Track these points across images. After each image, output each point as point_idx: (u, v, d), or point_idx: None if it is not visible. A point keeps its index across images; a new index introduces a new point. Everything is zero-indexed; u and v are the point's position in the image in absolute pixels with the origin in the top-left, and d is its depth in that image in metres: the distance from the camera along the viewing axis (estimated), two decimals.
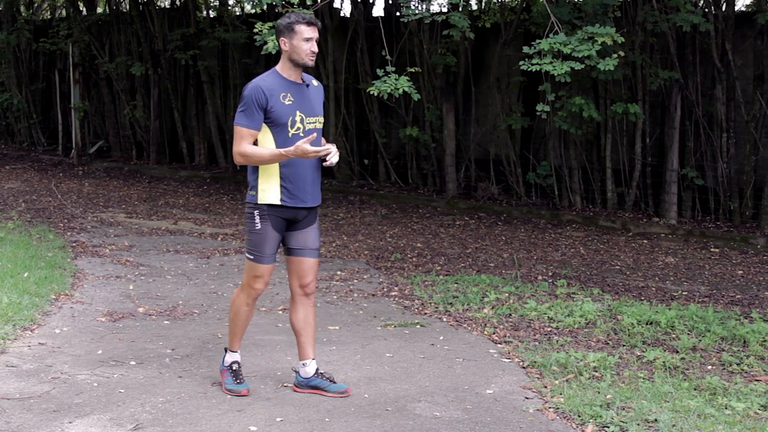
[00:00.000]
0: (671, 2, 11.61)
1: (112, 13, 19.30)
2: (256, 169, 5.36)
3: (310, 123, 5.40)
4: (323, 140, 5.58)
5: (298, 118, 5.33)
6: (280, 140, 5.29)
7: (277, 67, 5.42)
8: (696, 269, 9.81)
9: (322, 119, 5.53)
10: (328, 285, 8.68)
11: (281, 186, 5.34)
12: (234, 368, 5.60)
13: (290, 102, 5.31)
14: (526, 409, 5.33)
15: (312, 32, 5.33)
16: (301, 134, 5.32)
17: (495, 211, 13.40)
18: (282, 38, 5.36)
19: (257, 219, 5.38)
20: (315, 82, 5.59)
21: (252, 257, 5.45)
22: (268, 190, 5.35)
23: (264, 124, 5.29)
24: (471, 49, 14.58)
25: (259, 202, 5.36)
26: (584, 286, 8.71)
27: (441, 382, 5.85)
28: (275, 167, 5.32)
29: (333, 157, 5.30)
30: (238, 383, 5.53)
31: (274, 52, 9.24)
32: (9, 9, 20.87)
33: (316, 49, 5.37)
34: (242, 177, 16.33)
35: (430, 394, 5.60)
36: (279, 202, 5.35)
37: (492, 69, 14.36)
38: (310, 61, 5.34)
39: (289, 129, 5.30)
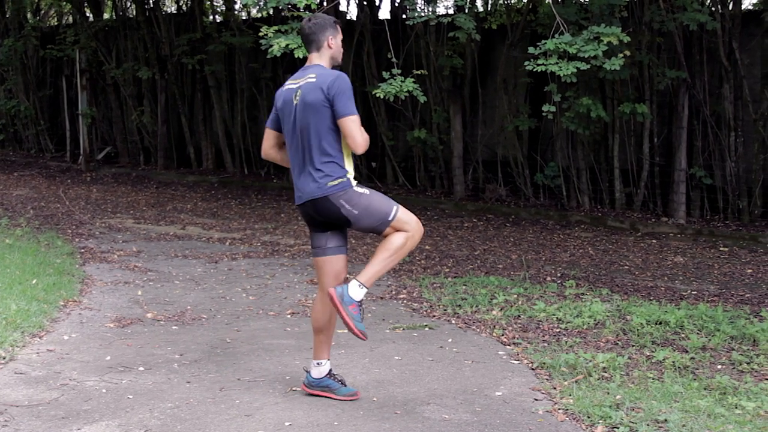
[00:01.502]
0: (678, 1, 11.59)
1: (119, 19, 19.36)
2: (341, 155, 5.26)
3: None
4: None
5: None
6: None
7: (325, 66, 5.36)
8: (705, 268, 9.78)
9: None
10: None
11: (354, 169, 5.39)
12: (362, 307, 5.33)
13: None
14: (535, 411, 5.31)
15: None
16: None
17: (503, 213, 13.38)
18: (330, 36, 5.34)
19: (360, 189, 5.26)
20: None
21: (394, 209, 5.26)
22: (350, 172, 5.31)
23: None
24: (477, 50, 14.58)
25: (353, 185, 5.24)
26: (593, 286, 8.69)
27: (450, 384, 5.84)
28: (342, 154, 5.27)
29: None
30: (361, 322, 5.28)
31: (279, 54, 9.25)
32: (16, 16, 20.96)
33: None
34: (250, 181, 16.36)
35: (439, 396, 5.58)
36: (354, 182, 5.34)
37: (499, 70, 14.35)
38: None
39: None
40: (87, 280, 8.71)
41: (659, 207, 12.89)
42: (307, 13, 9.39)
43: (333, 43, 5.34)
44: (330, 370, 5.58)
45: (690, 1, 11.36)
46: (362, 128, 5.22)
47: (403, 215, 5.29)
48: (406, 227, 5.30)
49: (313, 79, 5.21)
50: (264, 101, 17.25)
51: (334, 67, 5.42)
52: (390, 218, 5.25)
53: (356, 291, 5.22)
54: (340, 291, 5.21)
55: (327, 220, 5.33)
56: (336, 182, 5.22)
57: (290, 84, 5.36)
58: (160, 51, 18.34)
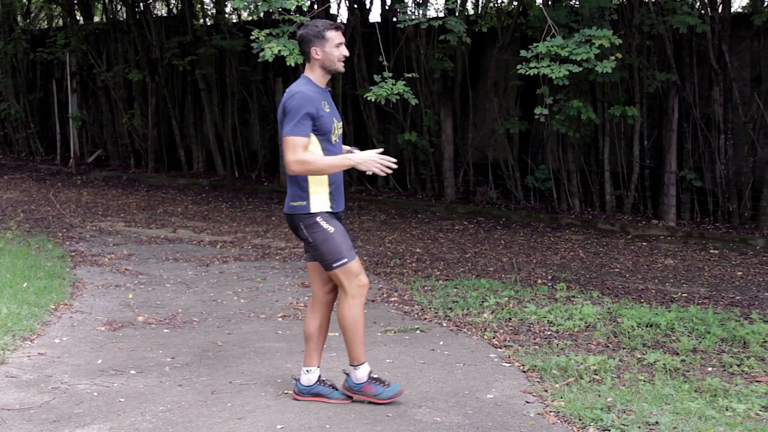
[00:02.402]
0: (667, 4, 11.64)
1: (109, 22, 19.33)
2: (305, 178, 5.27)
3: (339, 129, 5.42)
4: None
5: (335, 125, 5.32)
6: (327, 148, 5.29)
7: (310, 76, 5.33)
8: (695, 271, 9.81)
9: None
10: None
11: (329, 193, 5.32)
12: (374, 376, 5.45)
13: (328, 110, 5.28)
14: (526, 414, 5.32)
15: (341, 36, 5.32)
16: (336, 140, 5.35)
17: (494, 216, 13.40)
18: (313, 47, 5.27)
19: (324, 224, 5.27)
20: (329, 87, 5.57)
21: (344, 260, 5.28)
22: (319, 198, 5.29)
23: (312, 134, 5.23)
24: (468, 53, 14.59)
25: (312, 211, 5.27)
26: (584, 289, 8.70)
27: (441, 387, 5.84)
28: (325, 175, 5.28)
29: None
30: (388, 386, 5.40)
31: (271, 60, 9.25)
32: (6, 19, 20.90)
33: (347, 52, 5.36)
34: (241, 184, 16.36)
35: (430, 399, 5.59)
36: (329, 209, 5.31)
37: (489, 73, 14.37)
38: (341, 67, 5.33)
39: (332, 136, 5.30)
40: (78, 284, 8.69)
41: (649, 209, 12.92)
42: (299, 16, 9.40)
43: (320, 52, 5.27)
44: (319, 377, 5.58)
45: (680, 4, 11.39)
46: (300, 150, 5.14)
47: (349, 269, 5.31)
48: (346, 285, 5.33)
49: (284, 96, 5.31)
50: (254, 104, 17.25)
51: (333, 76, 5.45)
52: (335, 265, 5.30)
53: (356, 374, 5.46)
54: (346, 384, 5.52)
55: (293, 232, 5.45)
56: (296, 204, 5.32)
57: None
58: (150, 54, 18.32)
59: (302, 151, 5.15)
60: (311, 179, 5.28)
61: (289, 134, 5.15)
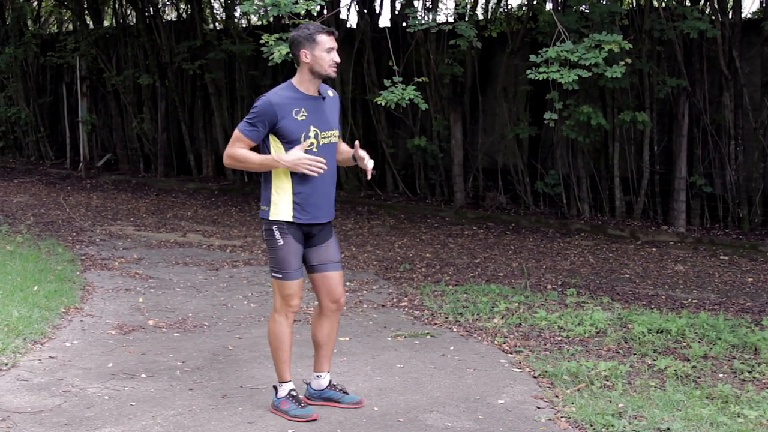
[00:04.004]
0: (678, 10, 11.63)
1: (119, 26, 19.37)
2: (268, 184, 5.29)
3: (324, 138, 5.30)
4: (342, 144, 5.60)
5: (312, 134, 5.22)
6: None
7: (294, 81, 5.29)
8: (705, 277, 9.79)
9: (337, 132, 5.41)
10: None
11: (293, 202, 5.26)
12: (293, 394, 5.39)
13: (304, 117, 5.20)
14: (537, 419, 5.31)
15: (333, 42, 5.24)
16: (315, 150, 5.23)
17: (503, 221, 13.39)
18: (302, 50, 5.21)
19: (277, 234, 5.27)
20: (331, 93, 5.45)
21: (280, 275, 5.31)
22: (281, 206, 5.27)
23: (276, 139, 5.22)
24: (478, 58, 14.59)
25: (271, 218, 5.27)
26: (594, 294, 8.69)
27: (452, 392, 5.84)
28: (288, 182, 5.24)
29: (368, 162, 5.41)
30: (303, 407, 5.31)
31: (280, 62, 9.26)
32: (16, 23, 20.96)
33: (338, 59, 5.28)
34: (250, 189, 16.37)
35: (441, 404, 5.59)
36: (291, 219, 5.26)
37: (499, 78, 14.36)
38: (333, 71, 5.25)
39: (305, 143, 5.20)
40: (88, 287, 8.71)
41: (659, 215, 12.89)
42: (308, 21, 9.40)
43: (308, 56, 5.21)
44: (330, 381, 5.58)
45: (690, 10, 11.38)
46: (236, 145, 5.25)
47: (283, 286, 5.34)
48: (276, 299, 5.42)
49: None
50: None
51: (324, 81, 5.39)
52: (273, 275, 5.39)
53: (278, 391, 5.44)
54: (272, 400, 5.48)
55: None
56: (261, 208, 5.40)
57: None
58: (160, 58, 18.35)
59: (238, 146, 5.25)
60: (274, 186, 5.29)
61: (237, 128, 5.26)
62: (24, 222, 12.55)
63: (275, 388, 5.47)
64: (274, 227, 5.28)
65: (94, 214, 13.71)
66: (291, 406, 5.31)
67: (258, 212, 5.46)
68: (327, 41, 5.22)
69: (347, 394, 5.54)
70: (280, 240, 5.28)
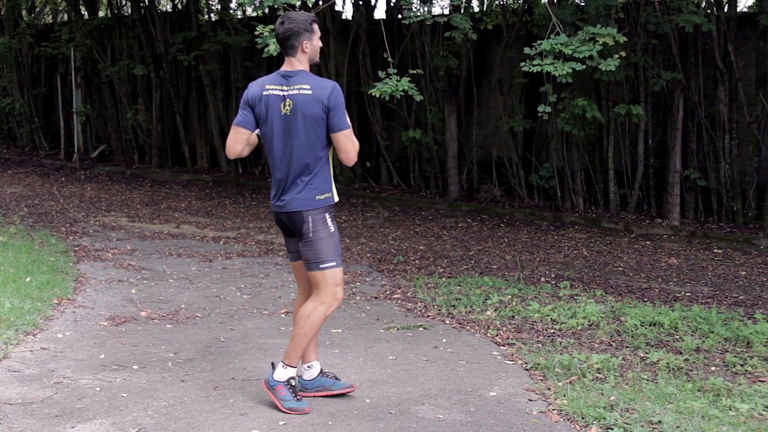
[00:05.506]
0: (673, 3, 11.61)
1: (114, 17, 19.32)
2: (326, 168, 5.20)
3: None
4: None
5: None
6: None
7: (307, 70, 5.24)
8: (699, 270, 9.79)
9: None
10: None
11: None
12: (292, 384, 5.31)
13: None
14: (529, 412, 5.31)
15: (318, 29, 5.31)
16: None
17: (497, 213, 13.39)
18: (304, 41, 5.19)
19: (330, 221, 5.23)
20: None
21: (334, 263, 5.21)
22: (334, 190, 5.31)
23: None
24: (473, 51, 14.58)
25: (335, 202, 5.29)
26: (587, 287, 8.69)
27: (444, 384, 5.84)
28: (330, 166, 5.23)
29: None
30: (298, 400, 5.26)
31: (275, 54, 9.24)
32: (11, 13, 20.92)
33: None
34: (244, 180, 16.35)
35: (433, 396, 5.58)
36: (336, 200, 5.34)
37: (494, 71, 14.36)
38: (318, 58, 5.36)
39: None
40: (81, 279, 8.69)
41: (653, 208, 12.90)
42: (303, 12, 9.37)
43: (309, 46, 5.20)
44: (321, 369, 5.58)
45: (686, 3, 11.37)
46: (354, 138, 5.20)
47: (334, 276, 5.21)
48: (323, 291, 5.23)
49: (309, 91, 5.10)
50: None
51: (311, 69, 5.34)
52: (323, 266, 5.21)
53: (280, 373, 5.30)
54: (267, 377, 5.34)
55: (293, 229, 5.31)
56: (323, 197, 5.21)
57: (274, 89, 5.22)
58: (155, 49, 18.32)
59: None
60: (330, 170, 5.27)
61: (348, 126, 5.19)
62: (17, 213, 12.52)
63: (273, 366, 5.39)
64: (327, 214, 5.22)
65: (88, 205, 13.69)
66: (287, 395, 5.26)
67: (300, 203, 5.14)
68: (317, 29, 5.28)
69: (339, 380, 5.55)
70: (332, 226, 5.24)
